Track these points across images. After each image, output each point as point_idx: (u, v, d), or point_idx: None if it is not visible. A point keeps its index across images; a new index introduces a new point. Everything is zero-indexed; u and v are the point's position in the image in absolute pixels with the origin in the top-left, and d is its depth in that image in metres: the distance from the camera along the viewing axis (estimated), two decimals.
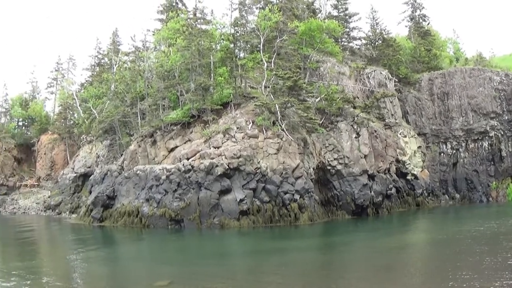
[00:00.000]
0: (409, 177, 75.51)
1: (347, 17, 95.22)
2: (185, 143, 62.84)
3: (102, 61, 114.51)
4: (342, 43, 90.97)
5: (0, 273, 31.78)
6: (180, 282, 28.20)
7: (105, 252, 42.60)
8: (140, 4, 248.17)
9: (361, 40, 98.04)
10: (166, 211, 54.86)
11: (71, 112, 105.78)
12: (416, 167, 77.48)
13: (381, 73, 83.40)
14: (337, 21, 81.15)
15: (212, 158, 55.71)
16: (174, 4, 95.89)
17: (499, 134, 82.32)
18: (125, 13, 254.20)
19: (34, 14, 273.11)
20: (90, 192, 70.97)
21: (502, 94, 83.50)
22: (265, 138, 58.62)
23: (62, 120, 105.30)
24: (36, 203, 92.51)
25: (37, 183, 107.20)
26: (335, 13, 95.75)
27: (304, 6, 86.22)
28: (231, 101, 65.27)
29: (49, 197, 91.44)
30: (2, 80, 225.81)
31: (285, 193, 55.44)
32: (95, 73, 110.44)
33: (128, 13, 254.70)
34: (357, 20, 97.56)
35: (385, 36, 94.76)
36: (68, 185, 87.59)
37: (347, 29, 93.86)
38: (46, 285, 28.15)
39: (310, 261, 35.20)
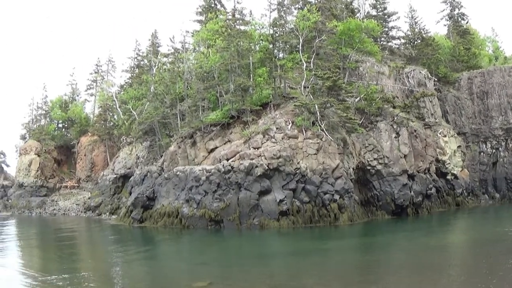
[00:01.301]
0: (449, 176, 74.84)
1: (386, 16, 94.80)
2: (224, 143, 63.11)
3: (142, 63, 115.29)
4: (381, 42, 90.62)
5: (41, 275, 32.03)
6: (220, 282, 28.28)
7: (145, 253, 42.95)
8: (178, 5, 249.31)
9: (400, 40, 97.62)
10: (206, 211, 54.97)
11: (111, 114, 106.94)
12: (456, 166, 76.89)
13: (420, 72, 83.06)
14: (376, 21, 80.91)
15: (252, 159, 55.79)
16: (212, 5, 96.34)
17: None
18: (164, 15, 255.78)
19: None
20: (130, 193, 71.51)
21: None
22: (304, 139, 58.52)
23: (102, 122, 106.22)
24: (76, 204, 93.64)
25: (77, 185, 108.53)
26: (373, 12, 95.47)
27: (343, 6, 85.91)
28: (270, 102, 65.38)
29: (89, 198, 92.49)
30: (42, 82, 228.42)
31: (325, 193, 55.22)
32: (134, 74, 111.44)
33: (167, 14, 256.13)
34: (396, 20, 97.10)
35: (424, 35, 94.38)
36: (108, 186, 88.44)
37: (386, 29, 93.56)
38: (86, 286, 28.49)
39: (351, 262, 35.07)
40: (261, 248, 43.91)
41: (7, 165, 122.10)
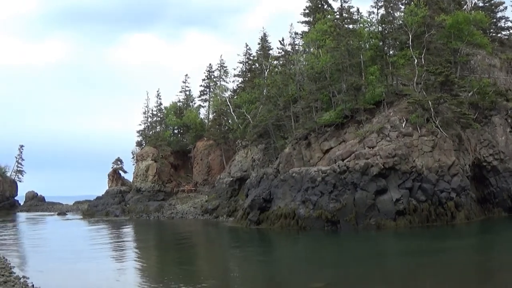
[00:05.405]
0: None
1: (492, 7, 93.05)
2: (339, 144, 63.17)
3: (253, 66, 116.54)
4: (490, 34, 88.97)
5: (159, 276, 33.86)
6: (336, 284, 28.75)
7: (262, 254, 44.17)
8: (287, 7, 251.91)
9: (509, 30, 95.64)
10: (322, 212, 55.52)
11: (225, 118, 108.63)
12: None
13: None
14: (483, 12, 79.69)
15: (367, 158, 56.04)
16: (319, 6, 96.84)
17: None
18: (271, 17, 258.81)
19: None
20: (247, 196, 72.44)
21: None
22: (419, 136, 58.20)
23: (217, 126, 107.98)
24: (194, 208, 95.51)
25: (194, 188, 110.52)
26: (480, 3, 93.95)
27: None
28: (383, 100, 65.25)
29: (206, 201, 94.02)
30: (155, 89, 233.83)
31: (441, 191, 54.76)
32: (246, 78, 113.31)
33: (274, 17, 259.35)
34: (503, 10, 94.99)
35: None
36: (224, 189, 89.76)
37: (494, 20, 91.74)
38: (203, 287, 29.57)
39: (469, 262, 34.97)
40: (378, 249, 44.22)
41: (125, 171, 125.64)
